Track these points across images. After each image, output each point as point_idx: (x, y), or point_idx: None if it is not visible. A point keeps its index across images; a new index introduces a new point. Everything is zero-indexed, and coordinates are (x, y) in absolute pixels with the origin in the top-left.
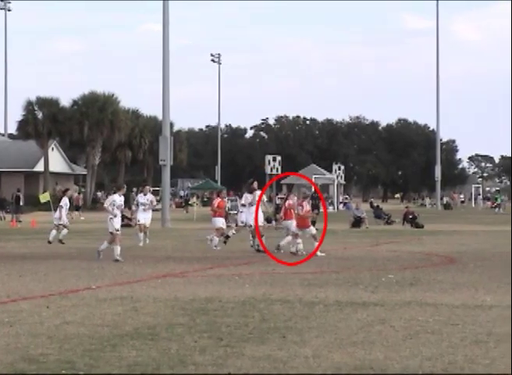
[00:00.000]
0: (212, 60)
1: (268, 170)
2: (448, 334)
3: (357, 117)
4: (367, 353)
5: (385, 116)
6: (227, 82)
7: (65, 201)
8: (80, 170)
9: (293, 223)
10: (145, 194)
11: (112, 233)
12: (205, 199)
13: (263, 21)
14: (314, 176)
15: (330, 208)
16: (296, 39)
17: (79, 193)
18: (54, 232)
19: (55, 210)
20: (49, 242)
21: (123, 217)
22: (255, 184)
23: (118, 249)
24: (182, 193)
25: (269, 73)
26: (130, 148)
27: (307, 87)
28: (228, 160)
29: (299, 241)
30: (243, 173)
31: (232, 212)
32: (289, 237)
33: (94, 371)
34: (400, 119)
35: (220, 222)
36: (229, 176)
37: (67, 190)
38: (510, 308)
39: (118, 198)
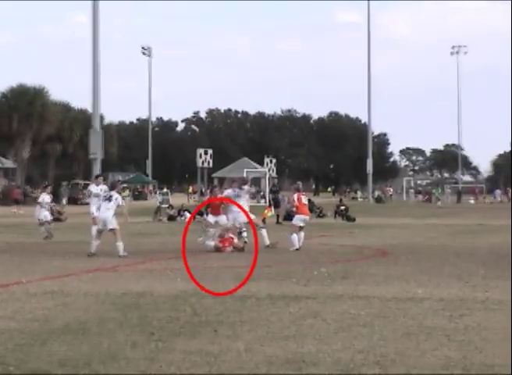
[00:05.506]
0: (143, 53)
1: (199, 164)
2: (379, 327)
3: (289, 110)
4: (299, 346)
5: (316, 109)
6: (158, 75)
7: (42, 198)
8: (9, 164)
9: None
10: (98, 185)
11: (113, 229)
12: (136, 193)
13: (194, 15)
14: (245, 169)
15: (262, 202)
16: (228, 32)
17: (18, 187)
18: (43, 228)
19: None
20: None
21: (53, 211)
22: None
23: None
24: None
25: (201, 66)
26: (60, 141)
27: (238, 80)
28: (159, 153)
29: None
30: (174, 166)
31: (163, 206)
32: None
33: (24, 366)
34: (331, 113)
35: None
36: (160, 169)
37: (47, 186)
38: (441, 301)
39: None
